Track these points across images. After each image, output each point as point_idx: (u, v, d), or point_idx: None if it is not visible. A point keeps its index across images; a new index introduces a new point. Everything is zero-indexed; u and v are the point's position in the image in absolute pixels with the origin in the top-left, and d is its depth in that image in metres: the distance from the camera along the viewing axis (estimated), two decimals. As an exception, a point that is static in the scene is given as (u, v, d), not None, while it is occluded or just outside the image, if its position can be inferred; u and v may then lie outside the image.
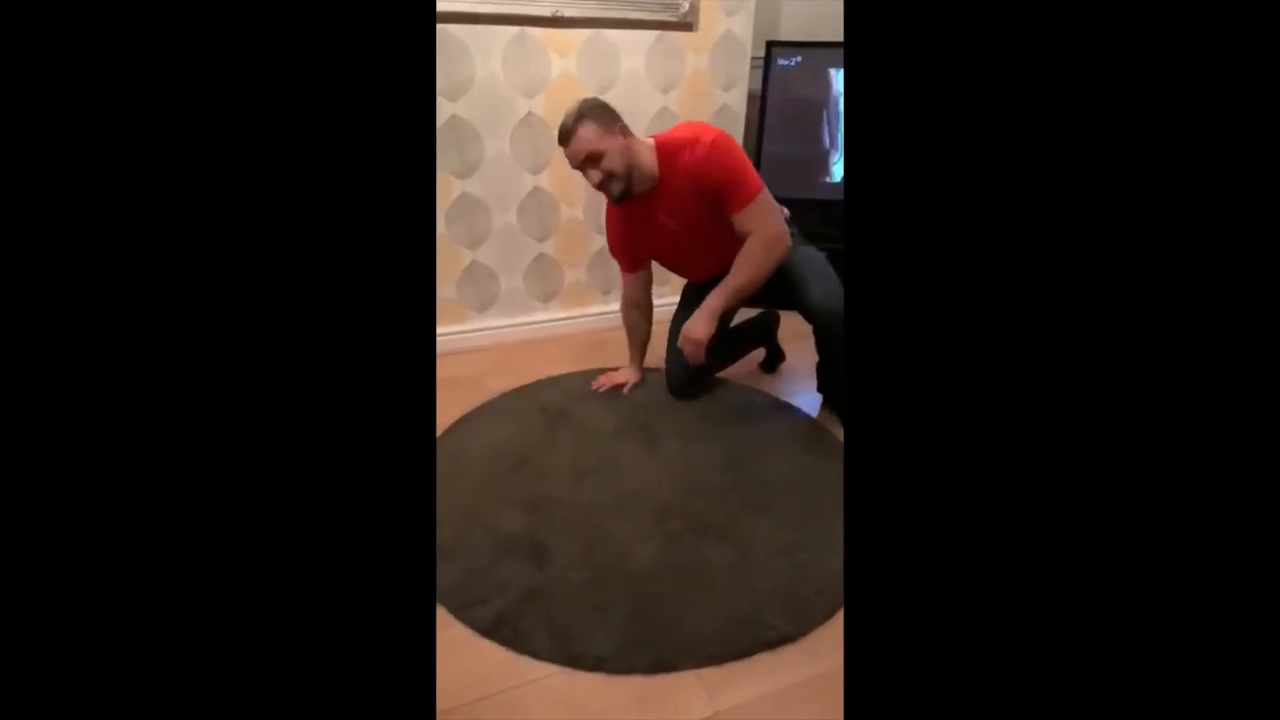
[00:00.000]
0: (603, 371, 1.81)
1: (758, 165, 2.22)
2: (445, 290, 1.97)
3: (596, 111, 1.28)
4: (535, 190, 1.93)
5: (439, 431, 1.57)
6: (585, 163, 1.30)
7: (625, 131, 1.31)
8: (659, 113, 1.97)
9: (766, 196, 1.30)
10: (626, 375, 1.74)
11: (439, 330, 2.00)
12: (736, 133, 2.12)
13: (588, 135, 1.27)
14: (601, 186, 1.33)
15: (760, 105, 2.15)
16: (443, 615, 1.07)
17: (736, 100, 2.06)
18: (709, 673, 0.98)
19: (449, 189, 1.83)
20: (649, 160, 1.33)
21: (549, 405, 1.69)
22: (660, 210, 1.39)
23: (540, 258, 2.04)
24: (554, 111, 1.84)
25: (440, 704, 0.92)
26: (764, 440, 1.53)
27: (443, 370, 1.88)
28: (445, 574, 1.14)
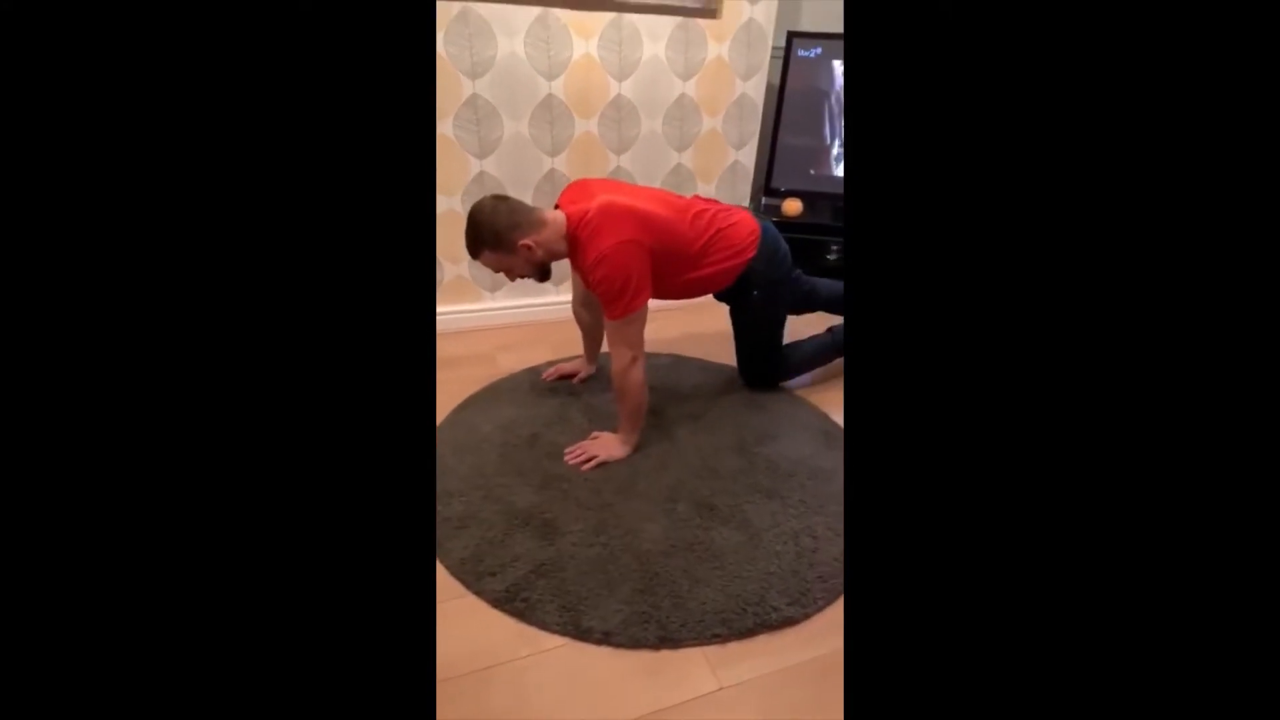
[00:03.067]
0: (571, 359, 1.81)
1: (773, 157, 2.23)
2: (459, 269, 1.98)
3: (492, 239, 1.29)
4: (551, 172, 1.94)
5: (453, 407, 1.59)
6: (495, 271, 1.37)
7: (527, 244, 1.30)
8: (678, 99, 1.97)
9: (628, 323, 1.33)
10: (578, 366, 1.76)
11: (453, 309, 2.02)
12: (753, 122, 2.12)
13: (490, 261, 1.34)
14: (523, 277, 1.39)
15: (779, 95, 2.15)
16: (455, 585, 1.10)
17: (755, 89, 2.06)
18: (713, 650, 1.01)
19: (467, 168, 1.84)
20: (559, 242, 1.35)
21: (560, 385, 1.71)
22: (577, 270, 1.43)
23: (554, 240, 2.05)
24: (574, 94, 1.85)
25: (451, 671, 0.95)
26: (774, 428, 1.55)
27: (455, 348, 1.90)
28: (458, 546, 1.17)
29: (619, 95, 1.90)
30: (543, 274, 1.39)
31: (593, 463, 1.38)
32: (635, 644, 1.00)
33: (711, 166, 2.14)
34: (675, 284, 1.45)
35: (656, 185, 2.09)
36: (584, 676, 0.96)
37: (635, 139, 1.99)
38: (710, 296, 1.61)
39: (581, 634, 1.01)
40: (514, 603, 1.06)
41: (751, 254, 1.48)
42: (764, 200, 2.32)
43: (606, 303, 1.31)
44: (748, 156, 2.18)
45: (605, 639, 1.00)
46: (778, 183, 2.29)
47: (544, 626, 1.02)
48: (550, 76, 1.80)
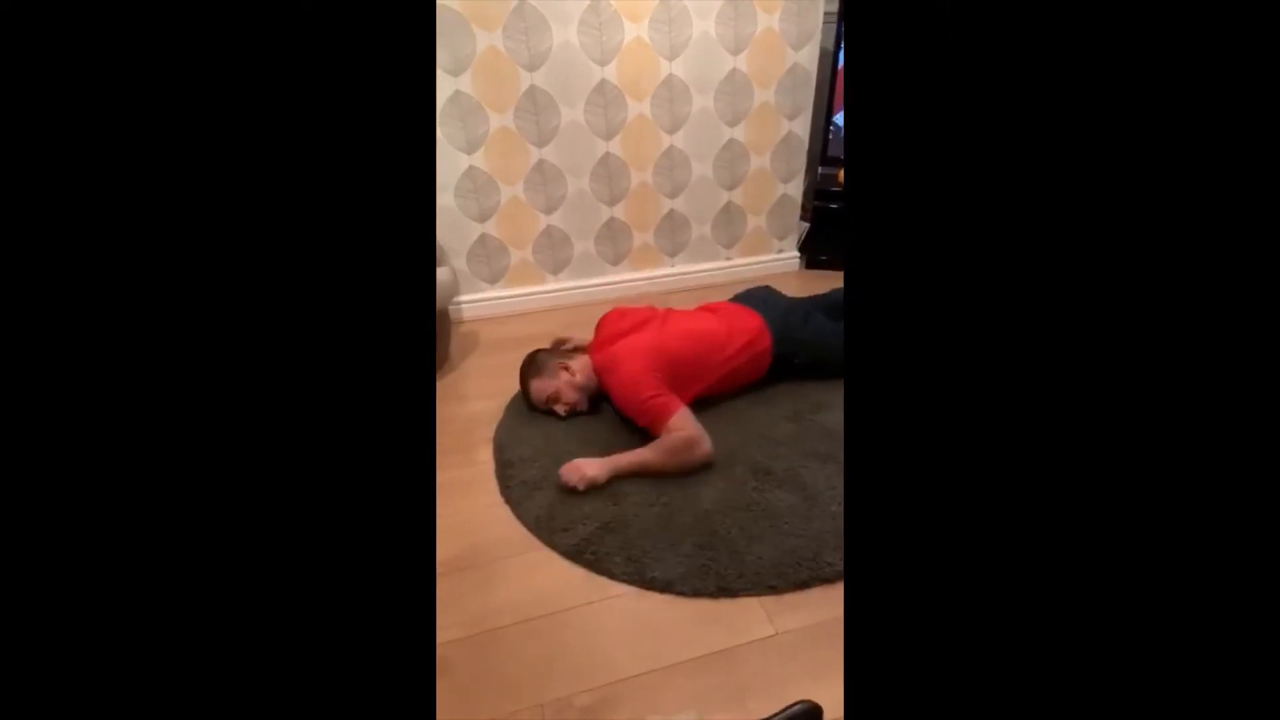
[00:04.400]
0: None
1: (828, 124, 2.20)
2: (523, 253, 2.10)
3: (535, 369, 1.56)
4: (607, 156, 2.01)
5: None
6: (548, 402, 1.54)
7: (564, 366, 1.55)
8: (729, 74, 1.99)
9: (677, 421, 1.36)
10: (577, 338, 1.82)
11: (518, 291, 2.14)
12: (806, 92, 2.10)
13: (539, 386, 1.55)
14: (572, 412, 1.55)
15: (833, 61, 2.12)
16: (532, 540, 1.22)
17: (808, 59, 2.05)
18: (769, 600, 1.07)
19: (527, 156, 1.94)
20: (591, 375, 1.55)
21: (620, 361, 1.79)
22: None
23: (611, 221, 2.13)
24: (627, 78, 1.90)
25: (530, 613, 1.07)
26: (828, 398, 1.58)
27: (522, 328, 2.02)
28: (534, 505, 1.28)
29: (670, 75, 1.94)
30: (589, 403, 1.56)
31: (580, 483, 1.30)
32: (696, 593, 1.08)
33: (765, 140, 2.15)
34: (707, 385, 1.53)
35: (709, 162, 2.12)
36: (649, 620, 1.05)
37: (687, 117, 2.02)
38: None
39: (646, 583, 1.10)
40: (584, 555, 1.16)
41: (767, 342, 1.57)
42: (820, 170, 2.30)
43: (649, 424, 1.39)
44: (801, 127, 2.17)
45: (668, 588, 1.09)
46: (834, 151, 2.27)
47: (611, 576, 1.12)
48: (603, 62, 1.86)
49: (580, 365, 1.56)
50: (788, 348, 1.59)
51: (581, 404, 1.55)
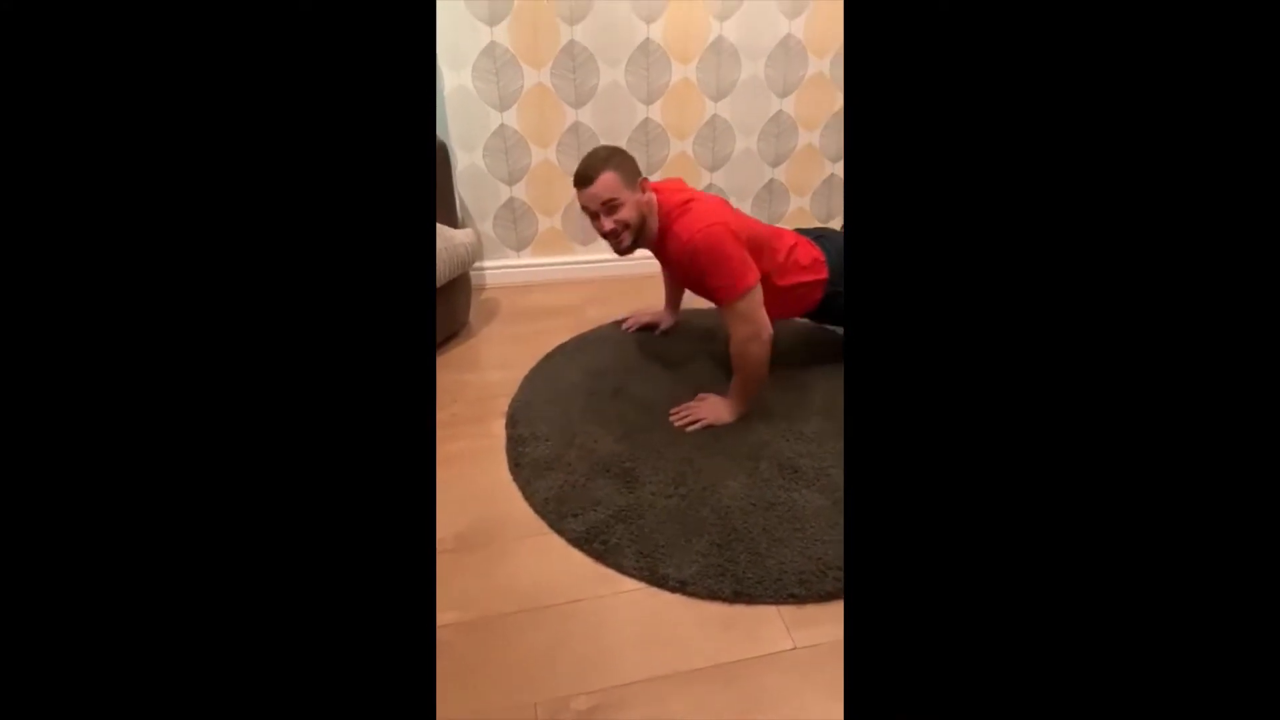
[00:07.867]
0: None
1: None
2: (551, 221, 2.01)
3: (622, 162, 1.28)
4: (646, 122, 1.90)
5: (541, 356, 1.64)
6: (601, 208, 1.28)
7: (645, 186, 1.32)
8: (783, 40, 1.85)
9: (747, 301, 1.29)
10: (659, 316, 1.75)
11: (545, 260, 2.06)
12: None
13: (610, 182, 1.26)
14: (610, 236, 1.31)
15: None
16: (539, 523, 1.15)
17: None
18: (789, 610, 0.99)
19: (563, 118, 1.84)
20: (654, 219, 1.34)
21: (644, 338, 1.71)
22: (665, 260, 1.46)
23: (646, 193, 2.02)
24: (673, 38, 1.78)
25: (534, 601, 1.00)
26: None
27: (546, 299, 1.94)
28: (543, 486, 1.21)
29: (720, 38, 1.81)
30: (633, 240, 1.33)
31: (698, 424, 1.36)
32: (711, 595, 1.00)
33: (816, 114, 2.01)
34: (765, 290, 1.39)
35: (755, 135, 2.00)
36: (659, 621, 0.97)
37: (735, 85, 1.90)
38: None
39: (657, 580, 1.02)
40: (593, 544, 1.09)
41: (824, 274, 1.47)
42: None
43: (714, 288, 1.30)
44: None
45: (680, 587, 1.01)
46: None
47: (621, 570, 1.05)
48: (649, 19, 1.74)
49: (649, 200, 1.31)
50: (840, 286, 1.49)
51: (626, 237, 1.30)
